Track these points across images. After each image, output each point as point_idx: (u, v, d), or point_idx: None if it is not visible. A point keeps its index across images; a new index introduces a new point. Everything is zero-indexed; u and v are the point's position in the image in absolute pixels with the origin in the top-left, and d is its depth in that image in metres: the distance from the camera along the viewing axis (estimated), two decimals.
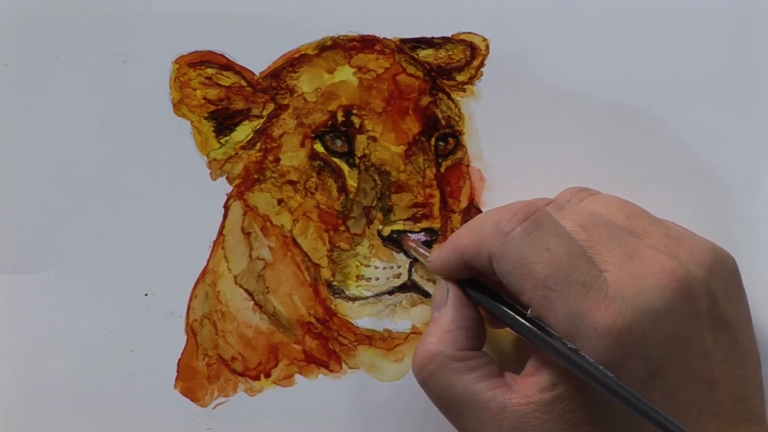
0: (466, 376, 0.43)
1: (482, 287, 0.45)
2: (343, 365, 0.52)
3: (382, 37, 0.52)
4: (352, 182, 0.51)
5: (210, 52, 0.52)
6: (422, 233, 0.51)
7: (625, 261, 0.42)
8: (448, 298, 0.46)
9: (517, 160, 0.52)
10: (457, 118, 0.52)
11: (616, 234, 0.43)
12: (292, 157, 0.52)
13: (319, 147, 0.52)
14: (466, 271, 0.45)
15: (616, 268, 0.41)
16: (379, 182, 0.51)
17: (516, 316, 0.43)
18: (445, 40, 0.52)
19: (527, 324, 0.42)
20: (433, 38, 0.52)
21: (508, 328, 0.45)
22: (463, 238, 0.45)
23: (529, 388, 0.42)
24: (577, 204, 0.46)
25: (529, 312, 0.42)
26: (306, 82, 0.52)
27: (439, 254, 0.46)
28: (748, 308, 0.44)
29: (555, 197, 0.47)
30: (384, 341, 0.52)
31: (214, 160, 0.52)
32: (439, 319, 0.45)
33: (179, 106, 0.52)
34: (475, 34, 0.52)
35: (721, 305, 0.42)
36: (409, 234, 0.51)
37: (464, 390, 0.43)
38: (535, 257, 0.41)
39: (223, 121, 0.52)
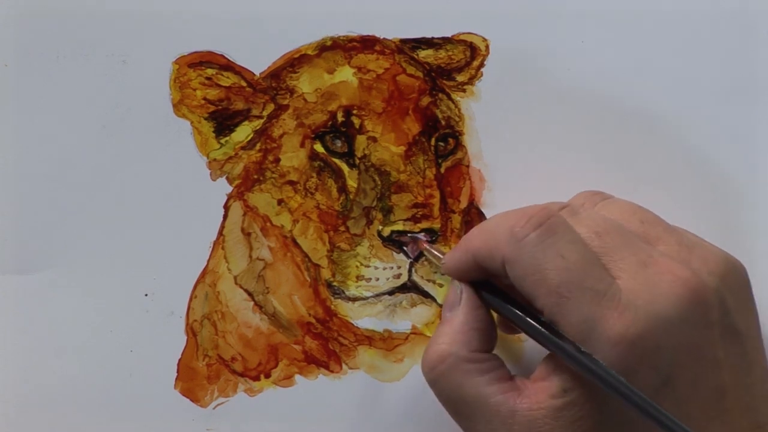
0: (477, 378, 0.43)
1: (496, 290, 0.45)
2: (343, 365, 0.52)
3: (382, 37, 0.52)
4: (352, 182, 0.51)
5: (210, 53, 0.52)
6: (422, 233, 0.51)
7: (639, 268, 0.41)
8: (462, 300, 0.46)
9: (517, 160, 0.52)
10: (457, 119, 0.52)
11: (631, 241, 0.43)
12: (292, 157, 0.52)
13: (319, 147, 0.52)
14: (479, 272, 0.45)
15: (630, 276, 0.41)
16: (379, 182, 0.51)
17: (529, 320, 0.43)
18: (445, 41, 0.52)
19: (541, 328, 0.42)
20: (433, 38, 0.52)
21: (518, 334, 0.45)
22: (477, 241, 0.45)
23: (539, 394, 0.42)
24: (591, 208, 0.46)
25: (542, 317, 0.42)
26: (306, 83, 0.52)
27: (453, 256, 0.46)
28: (757, 318, 0.44)
29: (569, 201, 0.47)
30: (384, 341, 0.52)
31: (214, 160, 0.52)
32: (452, 320, 0.45)
33: (179, 106, 0.52)
34: (475, 34, 0.52)
35: (733, 315, 0.42)
36: (412, 235, 0.51)
37: (475, 392, 0.43)
38: (549, 264, 0.41)
39: (223, 121, 0.52)
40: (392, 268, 0.51)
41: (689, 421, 0.40)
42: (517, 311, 0.43)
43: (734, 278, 0.43)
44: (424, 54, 0.52)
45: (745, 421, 0.42)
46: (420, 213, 0.51)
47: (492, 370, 0.44)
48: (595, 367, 0.39)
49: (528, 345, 0.51)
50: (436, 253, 0.49)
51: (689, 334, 0.41)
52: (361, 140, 0.51)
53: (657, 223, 0.45)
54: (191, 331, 0.52)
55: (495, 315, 0.46)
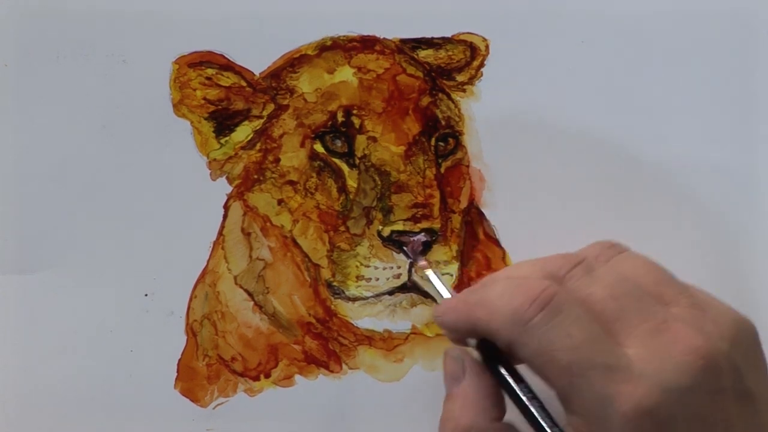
0: None
1: (499, 359, 0.44)
2: (343, 365, 0.52)
3: (382, 37, 0.52)
4: (352, 182, 0.51)
5: (210, 53, 0.52)
6: (422, 233, 0.51)
7: (651, 337, 0.41)
8: (466, 371, 0.45)
9: (517, 160, 0.52)
10: (457, 119, 0.52)
11: (645, 305, 0.42)
12: (292, 157, 0.52)
13: (319, 147, 0.52)
14: (475, 335, 0.45)
15: (642, 343, 0.41)
16: (379, 182, 0.51)
17: (528, 405, 0.43)
18: (445, 41, 0.52)
19: (535, 413, 0.42)
20: (433, 38, 0.52)
21: None
22: (479, 312, 0.43)
23: None
24: (604, 263, 0.45)
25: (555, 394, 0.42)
26: (306, 83, 0.52)
27: (450, 315, 0.45)
28: (767, 375, 0.44)
29: (583, 252, 0.46)
30: (384, 341, 0.52)
31: (214, 160, 0.52)
32: (463, 393, 0.44)
33: (179, 106, 0.52)
34: (475, 34, 0.52)
35: (745, 377, 0.42)
36: (411, 236, 0.51)
37: None
38: (557, 344, 0.41)
39: (223, 121, 0.52)
40: (392, 268, 0.51)
41: None
42: (517, 389, 0.43)
43: (745, 339, 0.43)
44: (424, 54, 0.52)
45: None
46: (420, 213, 0.51)
47: None
48: None
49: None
50: (437, 291, 0.49)
51: (702, 402, 0.40)
52: (361, 140, 0.51)
53: (671, 283, 0.44)
54: (191, 331, 0.52)
55: None
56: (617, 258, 0.45)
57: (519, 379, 0.43)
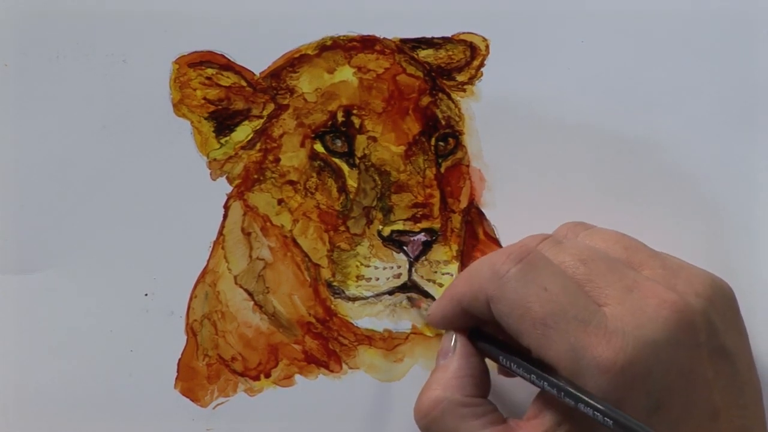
0: (472, 422, 0.43)
1: (489, 337, 0.46)
2: (343, 365, 0.52)
3: (382, 37, 0.52)
4: (352, 182, 0.51)
5: (210, 52, 0.52)
6: (422, 233, 0.51)
7: (624, 294, 0.42)
8: (456, 348, 0.46)
9: (517, 160, 0.52)
10: (457, 118, 0.52)
11: (615, 267, 0.43)
12: (292, 157, 0.52)
13: (319, 147, 0.52)
14: (465, 319, 0.46)
15: (616, 302, 0.41)
16: (379, 182, 0.51)
17: (523, 362, 0.43)
18: (445, 40, 0.52)
19: (535, 368, 0.42)
20: (433, 38, 0.52)
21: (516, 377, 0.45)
22: (460, 287, 0.45)
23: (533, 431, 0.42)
24: (574, 238, 0.46)
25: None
26: (306, 82, 0.52)
27: (437, 306, 0.47)
28: (747, 338, 0.45)
29: (552, 233, 0.47)
30: (384, 341, 0.52)
31: (214, 160, 0.52)
32: (446, 367, 0.46)
33: (179, 106, 0.52)
34: (475, 34, 0.52)
35: (721, 336, 0.42)
36: (411, 236, 0.51)
37: None
38: (532, 297, 0.42)
39: (223, 121, 0.52)
40: (392, 267, 0.51)
41: None
42: (511, 355, 0.44)
43: (721, 299, 0.43)
44: (424, 54, 0.52)
45: None
46: (420, 213, 0.51)
47: (486, 414, 0.44)
48: (592, 401, 0.39)
49: (519, 387, 0.51)
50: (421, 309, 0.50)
51: (678, 356, 0.41)
52: (361, 140, 0.51)
53: (641, 249, 0.45)
54: (191, 330, 0.52)
55: (490, 363, 0.46)
56: (585, 233, 0.47)
57: (511, 351, 0.44)
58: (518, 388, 0.49)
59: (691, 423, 0.41)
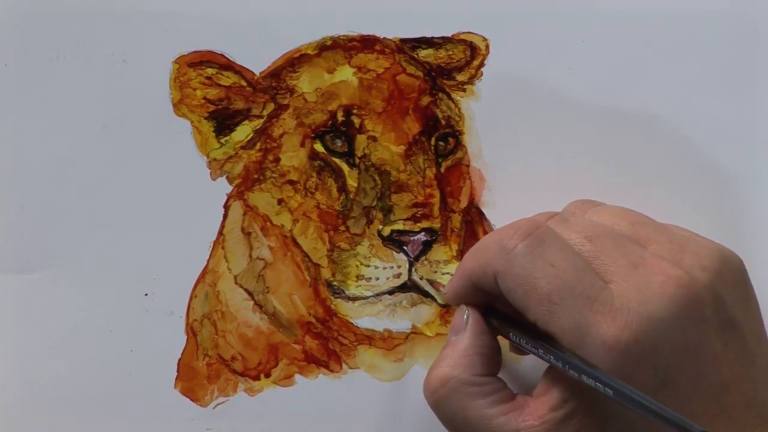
0: (480, 400, 0.43)
1: (500, 314, 0.46)
2: (343, 365, 0.52)
3: (382, 37, 0.52)
4: (352, 182, 0.51)
5: (210, 52, 0.52)
6: (422, 233, 0.51)
7: (630, 271, 0.41)
8: (467, 324, 0.46)
9: (517, 159, 0.52)
10: (457, 118, 0.52)
11: (621, 243, 0.43)
12: (292, 157, 0.52)
13: (319, 147, 0.52)
14: (478, 295, 0.46)
15: (622, 279, 0.41)
16: (379, 182, 0.51)
17: (531, 339, 0.43)
18: (445, 40, 0.52)
19: (545, 344, 0.42)
20: (433, 38, 0.52)
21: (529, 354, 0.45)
22: (469, 262, 0.45)
23: (541, 409, 0.42)
24: (581, 216, 0.46)
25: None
26: (306, 82, 0.52)
27: (451, 282, 0.47)
28: (757, 308, 0.44)
29: (560, 211, 0.47)
30: (384, 341, 0.52)
31: (214, 160, 0.52)
32: (456, 344, 0.46)
33: (179, 106, 0.52)
34: (475, 34, 0.52)
35: (729, 308, 0.42)
36: (411, 235, 0.51)
37: (478, 414, 0.43)
38: (539, 272, 0.41)
39: (223, 121, 0.52)
40: (392, 267, 0.51)
41: (693, 419, 0.40)
42: (520, 331, 0.44)
43: (729, 270, 0.43)
44: (424, 53, 0.52)
45: (752, 414, 0.42)
46: (420, 212, 0.51)
47: (494, 392, 0.44)
48: (603, 377, 0.39)
49: (529, 364, 0.51)
50: (438, 283, 0.50)
51: (685, 332, 0.41)
52: (361, 140, 0.51)
53: (647, 224, 0.45)
54: (191, 330, 0.52)
55: (502, 340, 0.46)
56: (592, 210, 0.46)
57: (522, 327, 0.44)
58: (531, 366, 0.49)
59: (699, 398, 0.41)
